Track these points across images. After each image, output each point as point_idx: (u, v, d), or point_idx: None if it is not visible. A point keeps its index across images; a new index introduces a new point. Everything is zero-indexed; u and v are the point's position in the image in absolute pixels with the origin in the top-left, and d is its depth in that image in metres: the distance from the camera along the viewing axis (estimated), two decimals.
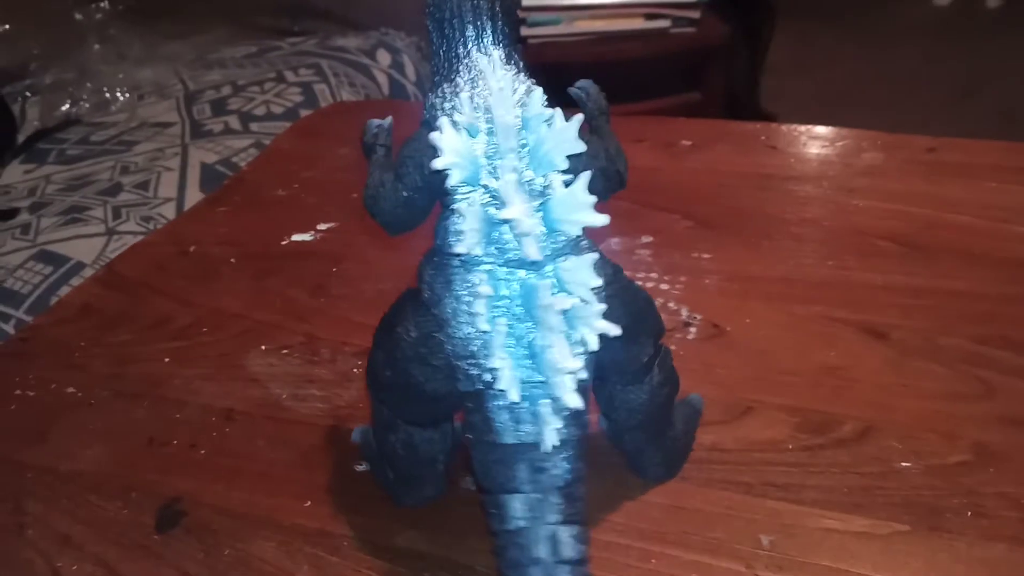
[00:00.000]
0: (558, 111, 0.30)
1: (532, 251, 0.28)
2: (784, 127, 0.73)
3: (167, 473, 0.43)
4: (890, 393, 0.43)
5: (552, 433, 0.29)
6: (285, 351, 0.51)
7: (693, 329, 0.49)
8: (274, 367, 0.50)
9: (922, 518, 0.36)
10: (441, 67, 0.32)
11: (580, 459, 0.30)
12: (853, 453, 0.40)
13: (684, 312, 0.51)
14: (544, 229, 0.30)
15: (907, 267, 0.53)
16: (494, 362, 0.29)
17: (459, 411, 0.34)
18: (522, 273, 0.30)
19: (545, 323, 0.28)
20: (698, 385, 0.42)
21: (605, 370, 0.33)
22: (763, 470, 0.39)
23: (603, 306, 0.29)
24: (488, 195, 0.29)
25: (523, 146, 0.30)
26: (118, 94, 1.11)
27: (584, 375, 0.29)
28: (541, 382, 0.29)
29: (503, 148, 0.29)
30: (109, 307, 0.58)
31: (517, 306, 0.30)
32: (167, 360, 0.52)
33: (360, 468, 0.41)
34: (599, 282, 0.28)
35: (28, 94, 1.15)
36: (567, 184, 0.29)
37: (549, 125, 0.29)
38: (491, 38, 0.31)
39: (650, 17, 1.49)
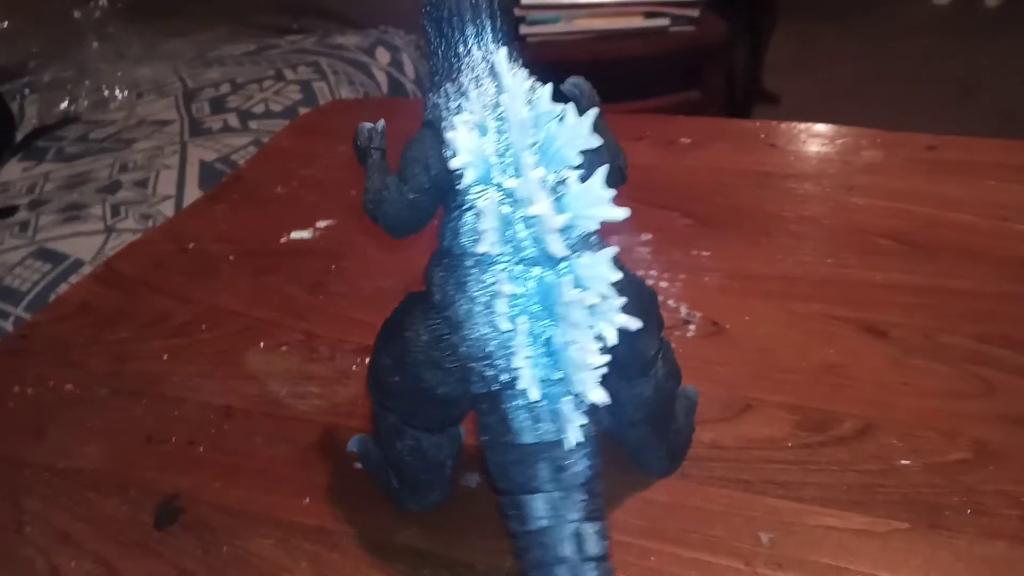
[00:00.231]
0: (571, 106, 0.29)
1: (557, 247, 0.28)
2: (783, 125, 0.73)
3: (165, 470, 0.43)
4: (890, 391, 0.43)
5: (575, 430, 0.29)
6: (284, 348, 0.51)
7: (692, 327, 0.49)
8: (273, 364, 0.50)
9: (922, 516, 0.36)
10: (441, 67, 0.32)
11: (598, 454, 0.30)
12: (853, 451, 0.40)
13: (683, 310, 0.51)
14: (569, 225, 0.29)
15: (907, 265, 0.53)
16: (516, 361, 0.29)
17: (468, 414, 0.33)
18: (537, 271, 0.29)
19: (568, 319, 0.28)
20: (698, 383, 0.42)
21: (613, 364, 0.33)
22: (763, 468, 0.39)
23: (623, 300, 0.28)
24: (501, 193, 0.29)
25: (533, 143, 0.29)
26: (117, 92, 1.11)
27: (605, 370, 0.29)
28: (559, 380, 0.29)
29: (518, 145, 0.29)
30: (108, 304, 0.58)
31: (534, 304, 0.29)
32: (166, 357, 0.52)
33: (359, 466, 0.41)
34: (619, 276, 0.28)
35: (27, 92, 1.15)
36: (582, 179, 0.29)
37: (560, 121, 0.29)
38: (491, 36, 0.31)
39: (649, 15, 1.49)
